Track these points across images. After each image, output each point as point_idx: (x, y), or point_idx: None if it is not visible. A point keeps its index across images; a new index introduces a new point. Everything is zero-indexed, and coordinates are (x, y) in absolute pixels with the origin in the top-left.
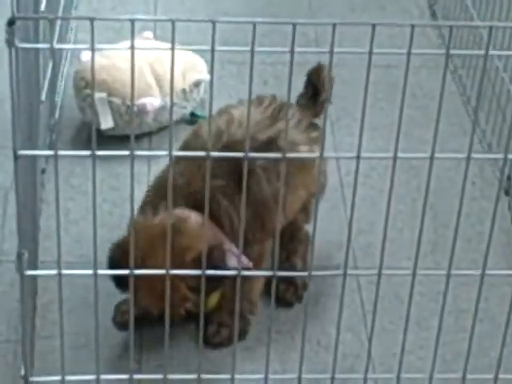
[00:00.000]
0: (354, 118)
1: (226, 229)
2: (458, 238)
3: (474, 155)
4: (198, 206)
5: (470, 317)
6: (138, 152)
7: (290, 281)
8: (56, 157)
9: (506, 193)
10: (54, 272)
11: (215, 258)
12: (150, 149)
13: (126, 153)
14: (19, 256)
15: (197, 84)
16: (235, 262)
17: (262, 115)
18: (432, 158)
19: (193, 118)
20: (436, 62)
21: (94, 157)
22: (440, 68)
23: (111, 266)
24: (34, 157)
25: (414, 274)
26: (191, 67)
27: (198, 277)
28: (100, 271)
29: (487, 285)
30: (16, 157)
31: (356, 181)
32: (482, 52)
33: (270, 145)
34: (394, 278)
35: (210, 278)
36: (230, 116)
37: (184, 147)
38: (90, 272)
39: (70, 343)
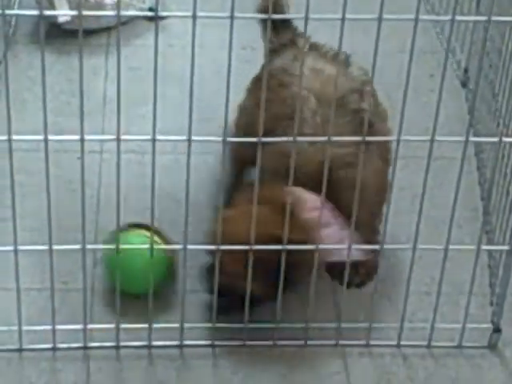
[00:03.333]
0: None
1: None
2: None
3: (421, 17)
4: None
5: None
6: None
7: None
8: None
9: (463, 85)
10: (4, 137)
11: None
12: (108, 43)
13: None
14: None
15: None
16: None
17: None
18: (380, 19)
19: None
20: None
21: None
22: None
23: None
24: None
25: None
26: None
27: None
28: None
29: (443, 170)
30: None
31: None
32: None
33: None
34: None
35: None
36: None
37: None
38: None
39: (23, 224)
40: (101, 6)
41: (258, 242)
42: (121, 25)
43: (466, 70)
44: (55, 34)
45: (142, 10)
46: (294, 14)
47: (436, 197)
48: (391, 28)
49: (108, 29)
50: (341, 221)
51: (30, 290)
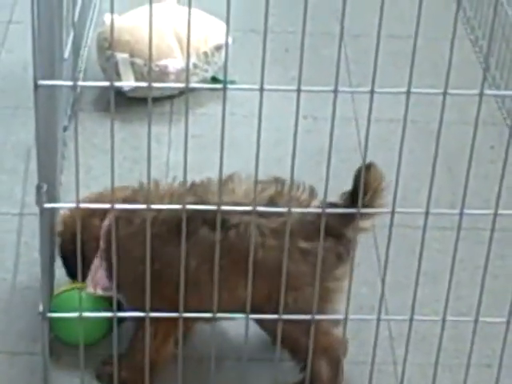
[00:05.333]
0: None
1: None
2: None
3: (486, 91)
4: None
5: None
6: None
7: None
8: (75, 86)
9: None
10: (72, 205)
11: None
12: (171, 112)
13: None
14: (38, 189)
15: (218, 48)
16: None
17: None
18: (445, 93)
19: (214, 83)
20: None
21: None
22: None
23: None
24: (54, 105)
25: (427, 213)
26: (213, 31)
27: None
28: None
29: (504, 242)
30: (36, 86)
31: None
32: None
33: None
34: (410, 234)
35: None
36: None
37: None
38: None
39: None
40: (164, 75)
41: None
42: (183, 92)
43: None
44: (119, 102)
45: (204, 78)
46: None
47: (497, 268)
48: (454, 100)
49: (171, 97)
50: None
51: (93, 356)
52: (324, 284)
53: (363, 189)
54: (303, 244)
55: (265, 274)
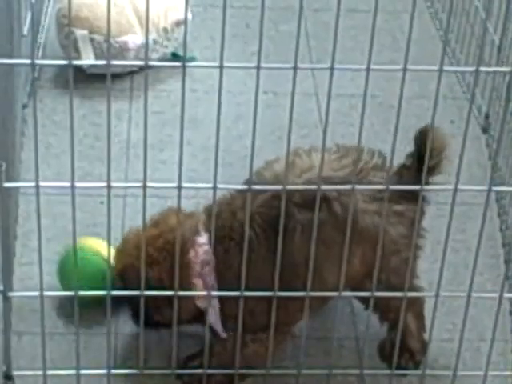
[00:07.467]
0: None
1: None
2: None
3: (445, 68)
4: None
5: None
6: None
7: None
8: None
9: (484, 131)
10: (32, 184)
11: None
12: (131, 88)
13: None
14: None
15: (178, 23)
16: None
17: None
18: (405, 69)
19: (174, 59)
20: None
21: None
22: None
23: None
24: (12, 83)
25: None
26: (173, 7)
27: None
28: (77, 184)
29: (465, 216)
30: None
31: (330, 92)
32: None
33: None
34: None
35: None
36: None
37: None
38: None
39: (48, 269)
40: (124, 51)
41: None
42: (143, 69)
43: (486, 116)
44: (79, 79)
45: (164, 54)
46: None
47: (457, 242)
48: (413, 74)
49: (131, 73)
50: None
51: (54, 334)
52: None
53: (428, 152)
54: (398, 207)
55: (369, 239)
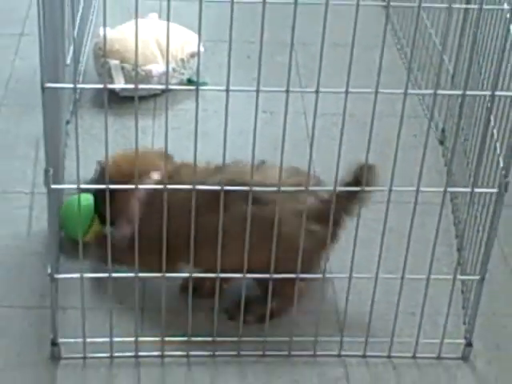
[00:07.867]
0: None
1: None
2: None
3: (409, 91)
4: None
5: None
6: None
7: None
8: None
9: (441, 143)
10: (74, 186)
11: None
12: (155, 108)
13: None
14: (46, 172)
15: (193, 55)
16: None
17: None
18: (376, 92)
19: (189, 84)
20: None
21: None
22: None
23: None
24: (58, 103)
25: (362, 190)
26: (189, 41)
27: None
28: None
29: (425, 214)
30: (43, 88)
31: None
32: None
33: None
34: None
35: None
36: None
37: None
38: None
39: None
40: (149, 77)
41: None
42: (164, 91)
43: (443, 130)
44: (112, 100)
45: (181, 80)
46: None
47: (419, 235)
48: (383, 96)
49: (154, 95)
50: None
51: (93, 309)
52: (318, 255)
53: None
54: (313, 226)
55: (282, 242)
